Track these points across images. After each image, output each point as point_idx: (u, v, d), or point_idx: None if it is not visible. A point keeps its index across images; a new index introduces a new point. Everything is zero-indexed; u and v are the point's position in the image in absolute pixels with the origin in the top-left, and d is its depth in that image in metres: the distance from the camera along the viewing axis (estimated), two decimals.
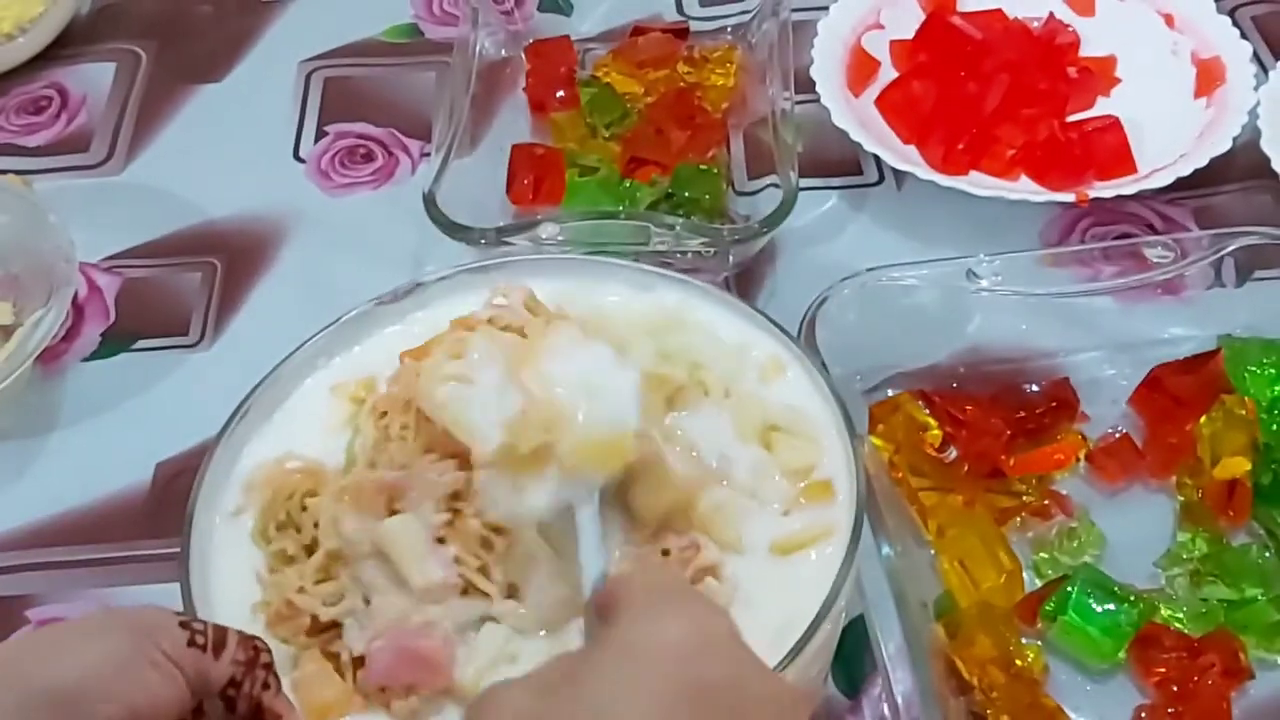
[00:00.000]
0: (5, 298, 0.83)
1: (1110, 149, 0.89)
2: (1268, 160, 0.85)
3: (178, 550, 0.60)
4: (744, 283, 0.86)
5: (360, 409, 0.65)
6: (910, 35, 0.97)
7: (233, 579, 0.61)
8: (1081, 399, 0.77)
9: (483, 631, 0.57)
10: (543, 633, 0.58)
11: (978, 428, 0.75)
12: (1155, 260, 0.78)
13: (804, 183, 0.86)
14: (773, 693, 0.46)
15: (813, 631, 0.55)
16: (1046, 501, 0.74)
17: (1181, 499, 0.74)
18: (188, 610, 0.58)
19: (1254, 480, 0.72)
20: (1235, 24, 0.96)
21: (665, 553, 0.59)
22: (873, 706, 0.68)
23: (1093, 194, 0.86)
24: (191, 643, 0.47)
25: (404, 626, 0.57)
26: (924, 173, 0.87)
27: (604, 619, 0.47)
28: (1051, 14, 0.98)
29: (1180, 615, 0.69)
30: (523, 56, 0.98)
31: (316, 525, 0.60)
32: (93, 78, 1.04)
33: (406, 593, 0.58)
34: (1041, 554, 0.72)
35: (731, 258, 0.85)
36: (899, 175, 0.91)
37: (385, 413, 0.63)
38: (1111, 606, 0.67)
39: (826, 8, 0.97)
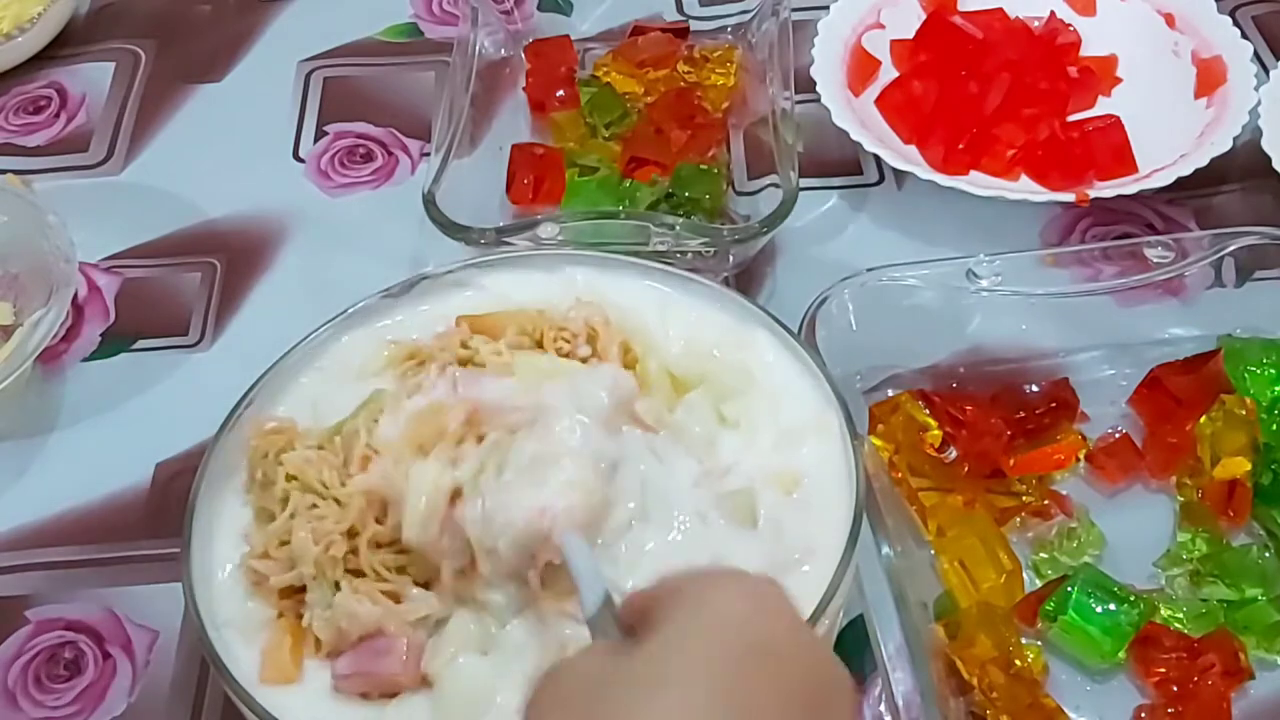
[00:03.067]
0: (5, 298, 0.83)
1: (1111, 149, 0.89)
2: (1268, 160, 0.85)
3: (178, 550, 0.60)
4: (744, 283, 0.86)
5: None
6: (911, 35, 0.97)
7: (232, 567, 0.62)
8: (1081, 399, 0.77)
9: (451, 622, 0.59)
10: (514, 621, 0.58)
11: (978, 428, 0.75)
12: (1155, 260, 0.78)
13: (804, 183, 0.85)
14: (826, 657, 0.48)
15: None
16: (1046, 501, 0.73)
17: (1181, 499, 0.74)
18: (189, 603, 0.59)
19: (1254, 480, 0.72)
20: (1236, 24, 0.95)
21: None
22: (873, 707, 0.68)
23: (1093, 194, 0.86)
24: None
25: (367, 641, 0.58)
26: (924, 173, 0.87)
27: (645, 622, 0.47)
28: (1052, 13, 0.98)
29: (1180, 615, 0.69)
30: (522, 56, 0.98)
31: (291, 479, 0.61)
32: (92, 77, 1.04)
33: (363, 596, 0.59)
34: (1041, 554, 0.72)
35: (731, 258, 0.85)
36: (899, 175, 0.91)
37: (421, 362, 0.64)
38: (1111, 606, 0.67)
39: (826, 8, 0.97)
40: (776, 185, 0.84)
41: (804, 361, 0.66)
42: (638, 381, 0.64)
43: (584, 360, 0.65)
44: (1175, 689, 0.66)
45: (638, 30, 0.99)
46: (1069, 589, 0.68)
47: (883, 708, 0.66)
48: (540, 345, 0.65)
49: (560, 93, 0.95)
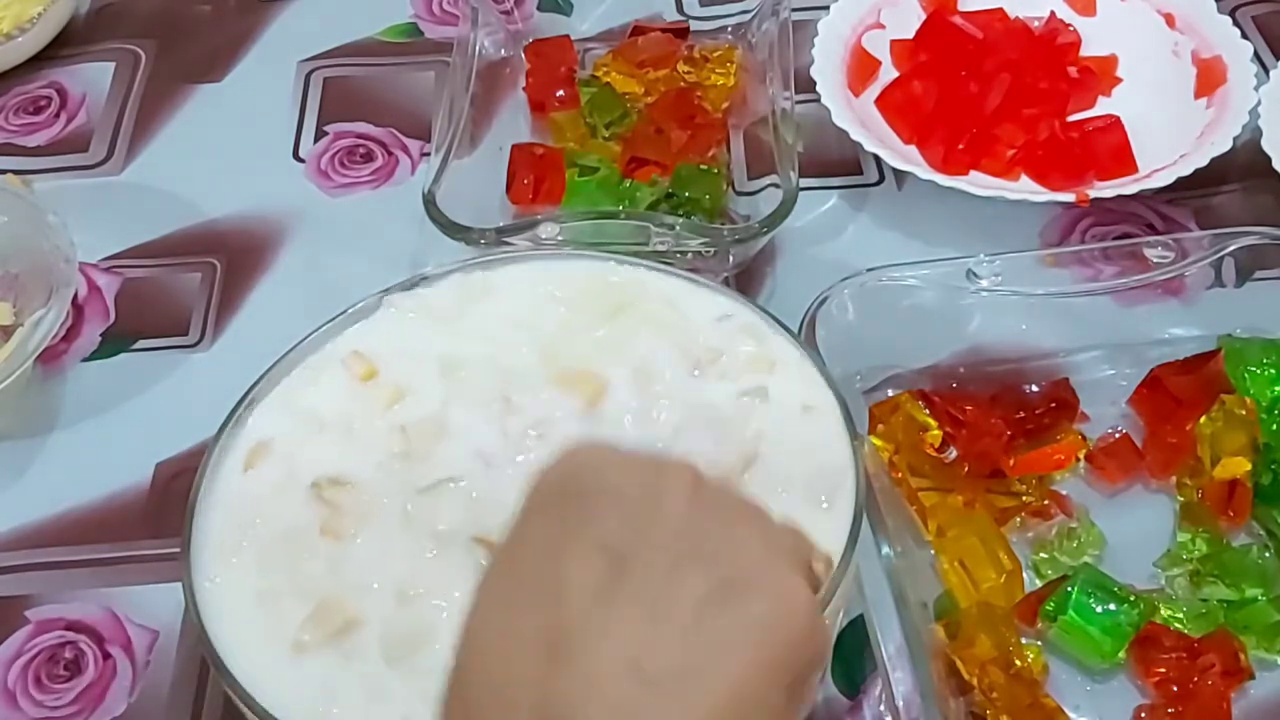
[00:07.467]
0: (5, 298, 0.83)
1: (1111, 149, 0.89)
2: (1268, 160, 0.85)
3: (178, 550, 0.60)
4: (744, 282, 0.86)
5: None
6: (911, 35, 0.97)
7: (234, 569, 0.61)
8: (1081, 399, 0.77)
9: None
10: None
11: (978, 428, 0.75)
12: (1155, 260, 0.78)
13: (804, 183, 0.85)
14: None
15: None
16: (1046, 501, 0.73)
17: (1181, 499, 0.74)
18: (189, 603, 0.58)
19: (1254, 480, 0.72)
20: (1236, 24, 0.95)
21: None
22: (873, 707, 0.68)
23: (1093, 194, 0.86)
24: None
25: None
26: (924, 173, 0.87)
27: None
28: (1052, 13, 0.98)
29: (1180, 615, 0.69)
30: (522, 56, 0.98)
31: None
32: (92, 77, 1.03)
33: None
34: (1041, 554, 0.72)
35: (731, 258, 0.85)
36: (899, 175, 0.91)
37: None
38: (1111, 606, 0.67)
39: (826, 8, 0.97)
40: (776, 185, 0.84)
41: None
42: None
43: None
44: (1175, 689, 0.66)
45: (638, 30, 0.99)
46: (1069, 589, 0.68)
47: (883, 708, 0.66)
48: None
49: (560, 93, 0.95)
